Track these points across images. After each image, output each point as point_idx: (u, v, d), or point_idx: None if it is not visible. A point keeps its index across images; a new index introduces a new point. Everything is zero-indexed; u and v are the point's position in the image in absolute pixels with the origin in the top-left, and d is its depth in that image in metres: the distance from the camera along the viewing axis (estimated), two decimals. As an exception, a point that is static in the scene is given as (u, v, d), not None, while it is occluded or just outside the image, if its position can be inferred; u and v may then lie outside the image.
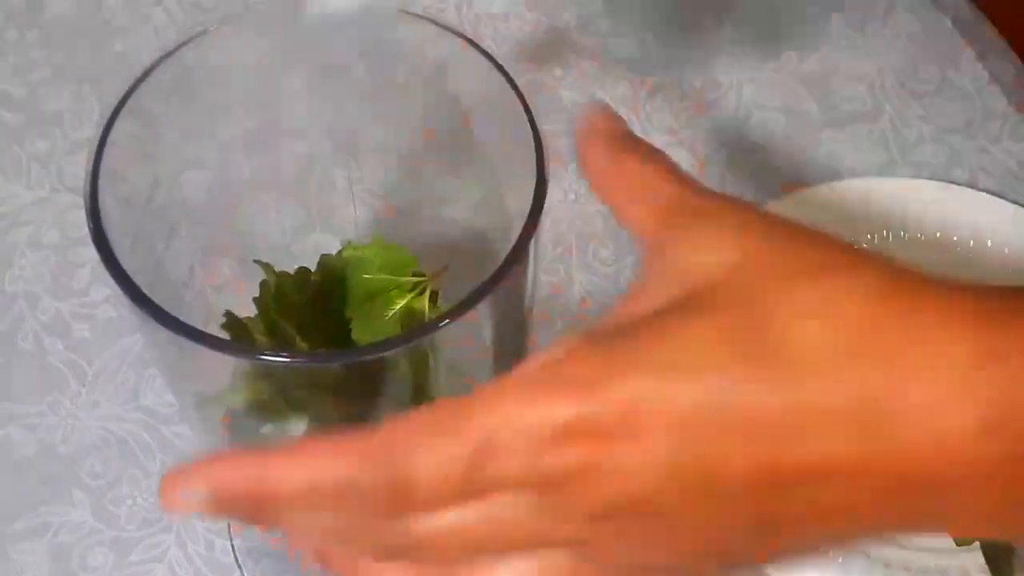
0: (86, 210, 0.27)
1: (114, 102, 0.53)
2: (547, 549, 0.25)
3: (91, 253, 0.47)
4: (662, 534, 0.24)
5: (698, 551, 0.25)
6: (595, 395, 0.23)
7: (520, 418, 0.23)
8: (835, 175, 0.51)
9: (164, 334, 0.25)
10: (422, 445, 0.23)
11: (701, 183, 0.27)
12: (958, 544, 0.41)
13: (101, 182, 0.28)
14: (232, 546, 0.42)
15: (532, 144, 0.27)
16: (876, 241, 0.48)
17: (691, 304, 0.24)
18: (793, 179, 0.50)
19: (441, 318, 0.25)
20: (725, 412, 0.22)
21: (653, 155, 0.28)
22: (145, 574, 0.41)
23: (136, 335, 0.46)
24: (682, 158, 0.51)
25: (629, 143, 0.28)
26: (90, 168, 0.28)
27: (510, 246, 0.26)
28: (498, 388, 0.24)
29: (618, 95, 0.53)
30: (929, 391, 0.22)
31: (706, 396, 0.22)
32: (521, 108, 0.27)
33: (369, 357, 0.25)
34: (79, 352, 0.46)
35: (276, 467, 0.24)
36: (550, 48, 0.55)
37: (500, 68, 0.28)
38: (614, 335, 0.24)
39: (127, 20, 0.55)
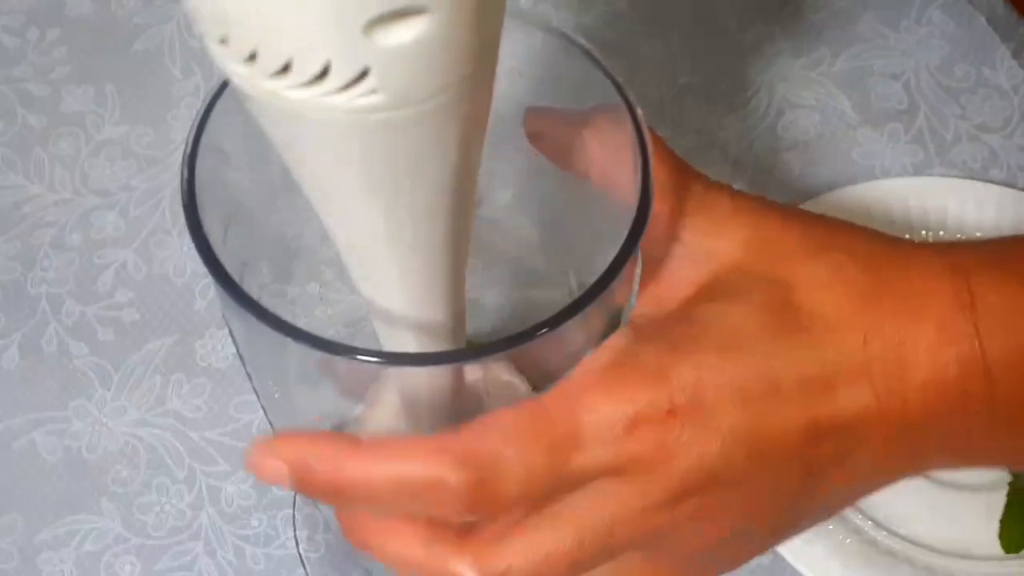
0: (187, 219, 0.26)
1: (136, 102, 0.52)
2: (624, 552, 0.26)
3: (116, 255, 0.47)
4: (734, 502, 0.26)
5: (762, 513, 0.27)
6: (664, 380, 0.25)
7: (601, 410, 0.25)
8: (871, 175, 0.50)
9: (293, 348, 0.24)
10: (509, 444, 0.24)
11: (682, 159, 0.28)
12: (1006, 551, 0.40)
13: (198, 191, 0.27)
14: (296, 540, 0.41)
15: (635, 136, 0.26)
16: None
17: (721, 289, 0.27)
18: (828, 180, 0.50)
19: (557, 319, 0.24)
20: (775, 380, 0.26)
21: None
22: (174, 583, 0.41)
23: (163, 339, 0.45)
24: (713, 159, 0.50)
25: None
26: (186, 176, 0.27)
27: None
28: (574, 385, 0.25)
29: (647, 95, 0.52)
30: (921, 338, 0.26)
31: (757, 369, 0.26)
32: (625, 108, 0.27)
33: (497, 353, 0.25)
34: (105, 356, 0.45)
35: (364, 459, 0.25)
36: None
37: (593, 58, 0.27)
38: (663, 326, 0.27)
39: (149, 18, 0.54)
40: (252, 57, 0.19)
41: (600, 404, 0.25)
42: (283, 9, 0.18)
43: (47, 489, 0.42)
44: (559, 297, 0.36)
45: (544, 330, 0.25)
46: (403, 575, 0.29)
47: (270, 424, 0.33)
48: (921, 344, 0.26)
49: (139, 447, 0.43)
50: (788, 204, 0.30)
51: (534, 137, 0.30)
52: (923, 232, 0.47)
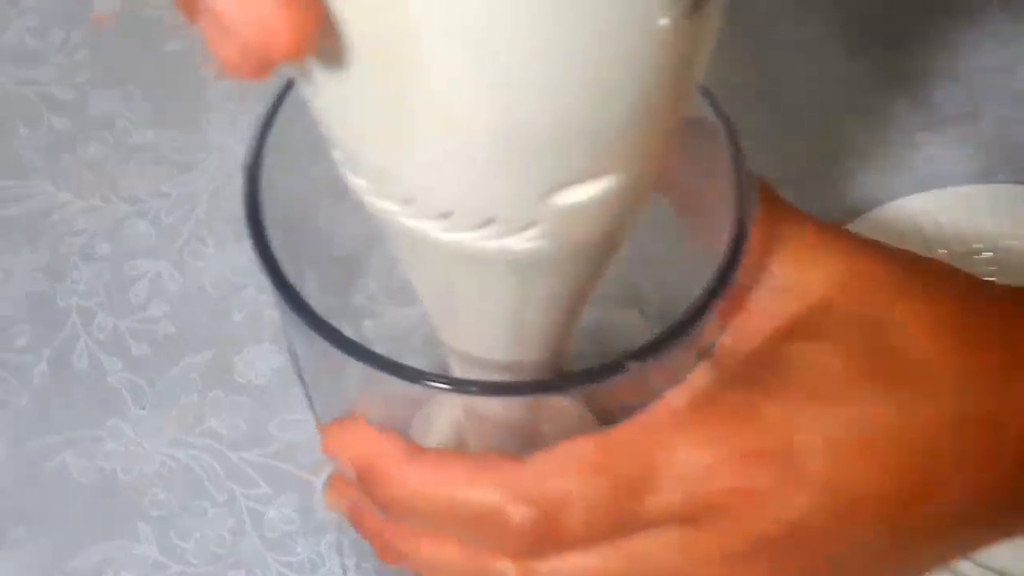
0: (249, 230, 0.25)
1: (168, 106, 0.50)
2: None
3: (149, 266, 0.45)
4: (813, 562, 0.25)
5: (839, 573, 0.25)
6: (749, 424, 0.23)
7: (679, 450, 0.23)
8: (933, 182, 0.48)
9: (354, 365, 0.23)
10: (576, 480, 0.23)
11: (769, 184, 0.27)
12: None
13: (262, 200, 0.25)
14: (343, 568, 0.39)
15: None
16: (983, 252, 0.45)
17: (810, 327, 0.25)
18: (888, 188, 0.47)
19: (654, 345, 0.22)
20: (868, 433, 0.24)
21: None
22: (216, 613, 0.38)
23: (200, 354, 0.43)
24: (762, 166, 0.48)
25: None
26: (247, 185, 0.26)
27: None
28: (651, 422, 0.23)
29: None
30: (1021, 392, 0.24)
31: (848, 418, 0.24)
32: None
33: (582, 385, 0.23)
34: (139, 372, 0.43)
35: (425, 469, 0.24)
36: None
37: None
38: (748, 364, 0.25)
39: (179, 18, 0.52)
40: (408, 202, 0.19)
41: (679, 444, 0.23)
42: (461, 173, 0.18)
43: (80, 513, 0.40)
44: (623, 317, 0.34)
45: (632, 363, 0.23)
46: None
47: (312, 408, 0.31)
48: (1021, 398, 0.24)
49: (176, 468, 0.41)
50: (856, 231, 0.28)
51: None
52: (992, 241, 0.45)
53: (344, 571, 0.39)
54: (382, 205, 0.19)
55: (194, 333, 0.44)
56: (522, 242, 0.19)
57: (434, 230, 0.19)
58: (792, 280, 0.26)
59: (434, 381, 0.23)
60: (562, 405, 0.34)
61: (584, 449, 0.23)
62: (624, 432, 0.24)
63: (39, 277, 0.45)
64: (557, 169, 0.18)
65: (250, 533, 0.40)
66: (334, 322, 0.25)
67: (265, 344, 0.43)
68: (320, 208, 0.34)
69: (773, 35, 0.52)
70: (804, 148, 0.49)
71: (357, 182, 0.20)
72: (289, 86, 0.27)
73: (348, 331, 0.38)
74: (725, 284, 0.24)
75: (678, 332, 0.23)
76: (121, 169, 0.48)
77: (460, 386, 0.24)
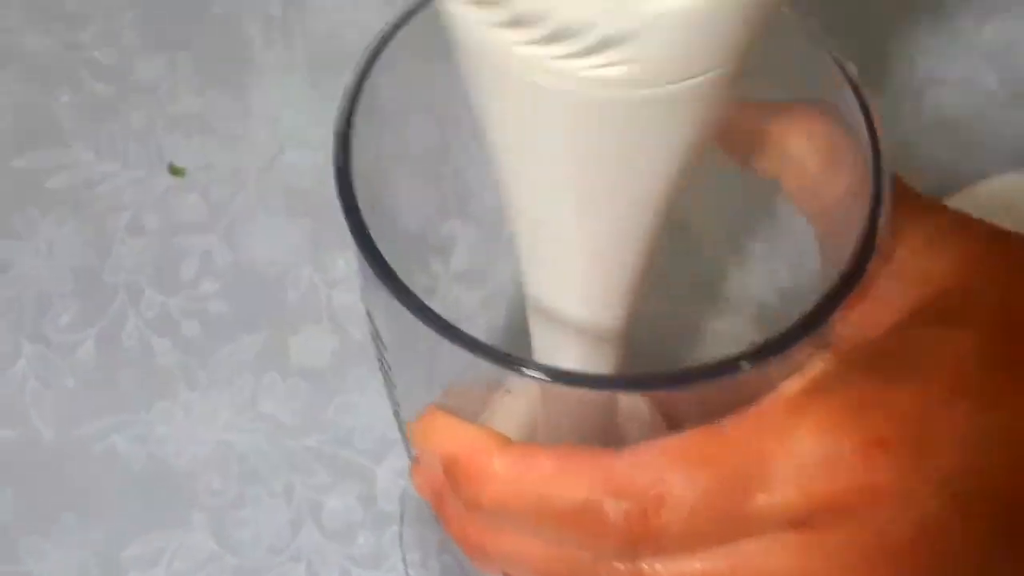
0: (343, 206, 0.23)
1: (214, 72, 0.48)
2: None
3: (198, 241, 0.43)
4: (941, 565, 0.22)
5: None
6: (874, 414, 0.21)
7: (796, 443, 0.21)
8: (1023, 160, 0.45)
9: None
10: (680, 474, 0.21)
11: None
12: None
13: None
14: (404, 562, 0.37)
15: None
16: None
17: (938, 314, 0.23)
18: (976, 165, 0.45)
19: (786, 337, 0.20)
20: (1004, 429, 0.22)
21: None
22: (275, 609, 0.37)
23: (253, 334, 0.41)
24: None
25: None
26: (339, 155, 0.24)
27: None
28: (764, 413, 0.21)
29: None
30: None
31: (982, 410, 0.22)
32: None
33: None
34: (190, 353, 0.41)
35: (512, 462, 0.22)
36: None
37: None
38: (872, 353, 0.23)
39: (224, -19, 0.50)
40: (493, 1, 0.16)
41: (794, 435, 0.21)
42: None
43: (131, 500, 0.38)
44: (728, 313, 0.32)
45: (746, 364, 0.21)
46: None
47: (398, 421, 0.30)
48: None
49: (230, 455, 0.39)
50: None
51: None
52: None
53: (406, 566, 0.37)
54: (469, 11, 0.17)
55: (247, 312, 0.42)
56: (607, 65, 0.17)
57: (515, 40, 0.17)
58: (919, 267, 0.24)
59: (538, 371, 0.22)
60: (635, 403, 0.32)
61: (689, 441, 0.22)
62: (734, 423, 0.22)
63: (85, 252, 0.43)
64: None
65: (309, 524, 0.38)
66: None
67: (321, 325, 0.41)
68: (388, 184, 0.32)
69: (857, 5, 0.50)
70: (887, 123, 0.46)
71: None
72: (370, 61, 0.25)
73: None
74: (857, 280, 0.22)
75: (801, 331, 0.21)
76: (167, 139, 0.45)
77: (567, 379, 0.22)
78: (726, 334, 0.38)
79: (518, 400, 0.31)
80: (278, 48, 0.48)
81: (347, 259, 0.43)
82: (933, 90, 0.47)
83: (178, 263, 0.43)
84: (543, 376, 0.21)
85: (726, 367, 0.20)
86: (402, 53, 0.25)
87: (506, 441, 0.22)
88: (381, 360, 0.28)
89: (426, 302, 0.40)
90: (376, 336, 0.26)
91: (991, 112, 0.46)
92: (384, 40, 0.25)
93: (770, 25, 0.19)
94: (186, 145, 0.45)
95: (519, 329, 0.40)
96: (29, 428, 0.39)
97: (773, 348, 0.21)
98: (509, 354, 0.21)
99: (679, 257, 0.33)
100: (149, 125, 0.46)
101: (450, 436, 0.23)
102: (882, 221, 0.22)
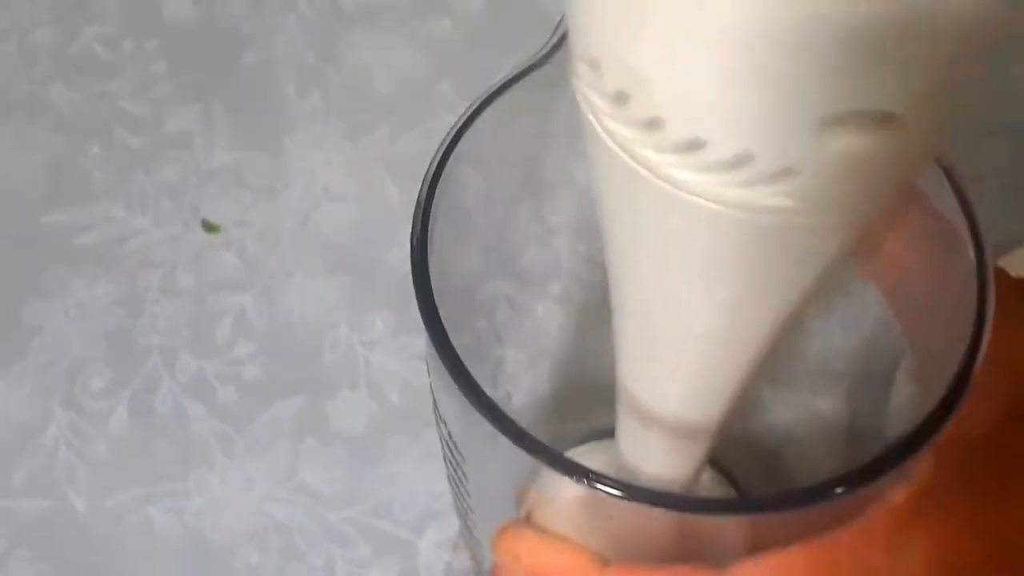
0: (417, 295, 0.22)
1: (248, 124, 0.47)
2: None
3: (234, 300, 0.42)
4: None
5: None
6: (989, 525, 0.21)
7: (910, 559, 0.21)
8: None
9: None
10: None
11: None
12: None
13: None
14: None
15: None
16: None
17: None
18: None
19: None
20: None
21: None
22: None
23: (290, 398, 0.40)
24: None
25: None
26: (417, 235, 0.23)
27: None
28: (871, 529, 0.21)
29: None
30: None
31: None
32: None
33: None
34: (226, 419, 0.40)
35: None
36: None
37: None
38: (976, 456, 0.22)
39: (255, 27, 0.49)
40: (653, 125, 0.15)
41: (908, 552, 0.21)
42: (723, 80, 0.14)
43: (167, 575, 0.37)
44: (814, 400, 0.30)
45: (858, 485, 0.20)
46: None
47: (458, 502, 0.28)
48: None
49: (269, 527, 0.38)
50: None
51: None
52: None
53: (452, 643, 0.36)
54: (622, 131, 0.16)
55: (283, 376, 0.41)
56: (769, 195, 0.15)
57: (672, 164, 0.16)
58: (1017, 357, 0.23)
59: (615, 488, 0.20)
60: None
61: (798, 559, 0.21)
62: (841, 539, 0.21)
63: (116, 311, 0.42)
64: (837, 87, 0.14)
65: (350, 600, 0.37)
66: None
67: (360, 390, 0.40)
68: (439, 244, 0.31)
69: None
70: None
71: (597, 101, 0.16)
72: (447, 153, 0.24)
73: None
74: (960, 396, 0.21)
75: (901, 454, 0.20)
76: (201, 194, 0.44)
77: (660, 501, 0.21)
78: (782, 400, 0.37)
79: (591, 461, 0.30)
80: (313, 99, 0.47)
81: (384, 319, 0.42)
82: None
83: (213, 324, 0.41)
84: (633, 497, 0.20)
85: (821, 493, 0.19)
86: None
87: (604, 561, 0.22)
88: (450, 456, 0.26)
89: (471, 362, 0.39)
90: (447, 439, 0.25)
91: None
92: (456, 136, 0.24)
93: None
94: (221, 200, 0.44)
95: (566, 389, 0.39)
96: (61, 499, 0.38)
97: (873, 472, 0.19)
98: (597, 473, 0.20)
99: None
100: (183, 180, 0.45)
101: (542, 553, 0.22)
102: (985, 336, 0.21)
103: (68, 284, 0.42)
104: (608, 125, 0.16)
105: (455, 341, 0.37)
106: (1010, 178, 0.44)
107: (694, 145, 0.14)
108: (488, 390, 0.41)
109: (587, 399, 0.39)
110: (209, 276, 0.43)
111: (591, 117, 0.16)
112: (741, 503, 0.22)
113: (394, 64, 0.48)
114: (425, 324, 0.22)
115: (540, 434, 0.41)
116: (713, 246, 0.17)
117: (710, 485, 0.34)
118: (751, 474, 0.36)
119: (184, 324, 0.41)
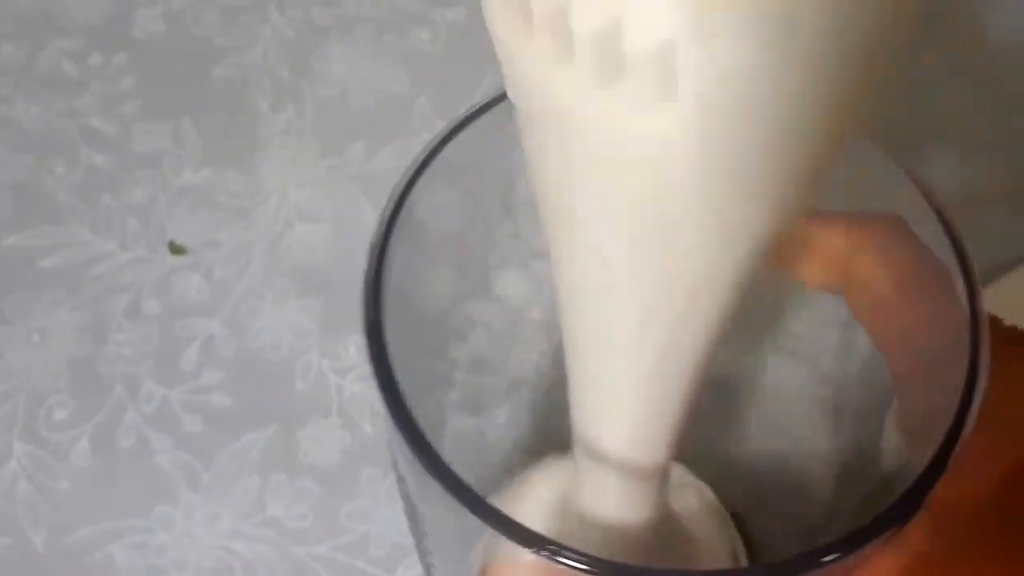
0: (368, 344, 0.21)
1: (219, 141, 0.45)
2: None
3: (201, 326, 0.40)
4: None
5: None
6: None
7: None
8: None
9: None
10: None
11: None
12: None
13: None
14: None
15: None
16: None
17: None
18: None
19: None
20: None
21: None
22: None
23: (259, 429, 0.38)
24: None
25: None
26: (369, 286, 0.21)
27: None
28: None
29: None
30: None
31: None
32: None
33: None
34: (192, 451, 0.38)
35: None
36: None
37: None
38: (974, 521, 0.21)
39: (230, 40, 0.47)
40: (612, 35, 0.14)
41: None
42: None
43: (128, 616, 0.36)
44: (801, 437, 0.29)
45: (832, 556, 0.18)
46: None
47: (422, 556, 0.27)
48: None
49: (236, 565, 0.36)
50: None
51: None
52: None
53: None
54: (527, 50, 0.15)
55: (252, 405, 0.39)
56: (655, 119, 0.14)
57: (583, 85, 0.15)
58: (1015, 415, 0.21)
59: (576, 560, 0.19)
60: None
61: None
62: None
63: (81, 339, 0.40)
64: None
65: (320, 642, 0.35)
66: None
67: (332, 419, 0.39)
68: (409, 268, 0.29)
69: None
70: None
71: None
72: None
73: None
74: (948, 458, 0.19)
75: (893, 518, 0.19)
76: (170, 214, 0.43)
77: (612, 571, 0.19)
78: (765, 422, 0.35)
79: (548, 486, 0.29)
80: (287, 113, 0.45)
81: (357, 344, 0.40)
82: None
83: (179, 352, 0.40)
84: (597, 569, 0.18)
85: (808, 560, 0.18)
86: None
87: None
88: (410, 511, 0.25)
89: (445, 391, 0.37)
90: (406, 496, 0.24)
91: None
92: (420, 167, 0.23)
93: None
94: (190, 221, 0.43)
95: (545, 419, 0.37)
96: (19, 535, 0.37)
97: (863, 538, 0.18)
98: (556, 543, 0.18)
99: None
100: (151, 200, 0.43)
101: None
102: (977, 396, 0.19)
103: (30, 309, 0.41)
104: (520, 62, 0.15)
105: (428, 370, 0.35)
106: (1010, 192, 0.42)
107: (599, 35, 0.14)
108: (464, 419, 0.39)
109: (568, 427, 0.37)
110: (175, 300, 0.41)
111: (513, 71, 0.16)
112: (714, 573, 0.21)
113: (370, 78, 0.46)
114: (379, 387, 0.20)
115: (518, 464, 0.39)
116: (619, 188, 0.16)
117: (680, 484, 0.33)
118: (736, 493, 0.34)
119: (150, 352, 0.40)
